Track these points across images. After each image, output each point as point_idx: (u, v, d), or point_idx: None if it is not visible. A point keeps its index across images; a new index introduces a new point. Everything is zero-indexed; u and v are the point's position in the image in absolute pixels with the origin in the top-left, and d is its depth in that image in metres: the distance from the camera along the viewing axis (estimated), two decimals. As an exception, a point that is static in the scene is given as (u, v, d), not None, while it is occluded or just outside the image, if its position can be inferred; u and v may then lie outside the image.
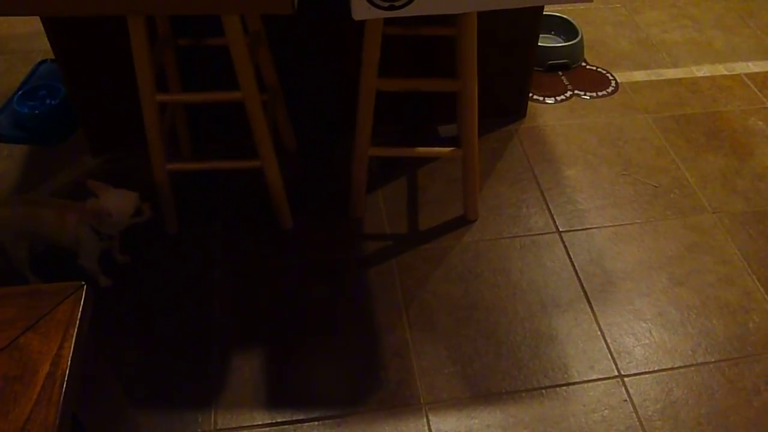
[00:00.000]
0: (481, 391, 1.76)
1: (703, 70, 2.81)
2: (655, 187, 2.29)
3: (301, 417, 1.72)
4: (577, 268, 2.05)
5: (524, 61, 2.39)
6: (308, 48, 2.23)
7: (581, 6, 3.13)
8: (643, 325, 1.92)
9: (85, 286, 1.01)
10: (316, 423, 1.70)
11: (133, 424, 1.34)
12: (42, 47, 2.94)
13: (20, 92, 2.60)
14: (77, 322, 0.97)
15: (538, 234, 2.14)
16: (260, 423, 1.72)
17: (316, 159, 2.39)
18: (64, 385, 0.90)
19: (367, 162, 2.03)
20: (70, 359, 0.93)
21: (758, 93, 2.71)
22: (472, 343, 1.87)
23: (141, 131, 1.96)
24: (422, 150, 2.05)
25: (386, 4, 1.52)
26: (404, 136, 2.42)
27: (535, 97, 2.61)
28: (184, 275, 2.03)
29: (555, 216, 2.19)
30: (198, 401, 1.75)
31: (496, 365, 1.82)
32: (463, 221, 2.17)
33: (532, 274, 2.03)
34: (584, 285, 2.01)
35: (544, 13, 2.40)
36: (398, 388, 1.78)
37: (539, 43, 2.51)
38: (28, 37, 3.03)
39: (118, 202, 1.81)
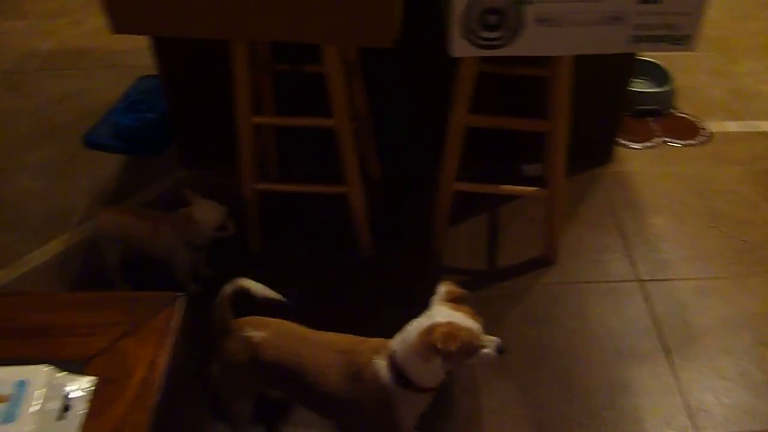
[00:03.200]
0: (550, 437, 1.74)
1: (800, 126, 2.73)
2: (744, 242, 2.22)
3: (367, 444, 1.73)
4: (657, 319, 2.00)
5: (615, 105, 2.37)
6: (400, 80, 2.27)
7: (676, 53, 3.08)
8: (724, 383, 1.86)
9: (181, 297, 1.06)
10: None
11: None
12: (144, 63, 3.07)
13: (121, 105, 2.73)
14: (173, 331, 1.01)
15: (618, 281, 2.10)
16: (327, 445, 1.74)
17: (400, 189, 2.42)
18: (158, 391, 0.94)
19: (452, 196, 2.04)
20: (164, 366, 0.97)
21: None
22: (544, 387, 1.84)
23: (232, 149, 2.03)
24: (507, 188, 2.05)
25: (485, 43, 1.55)
26: (487, 172, 2.42)
27: (622, 141, 2.57)
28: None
29: (637, 264, 2.15)
30: (267, 420, 1.78)
31: (568, 412, 1.79)
32: (542, 262, 2.15)
33: (609, 321, 2.00)
34: (663, 337, 1.96)
35: (638, 57, 2.37)
36: (465, 425, 1.77)
37: (633, 88, 2.49)
38: (132, 52, 3.18)
39: (205, 213, 1.87)
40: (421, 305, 2.01)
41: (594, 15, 1.52)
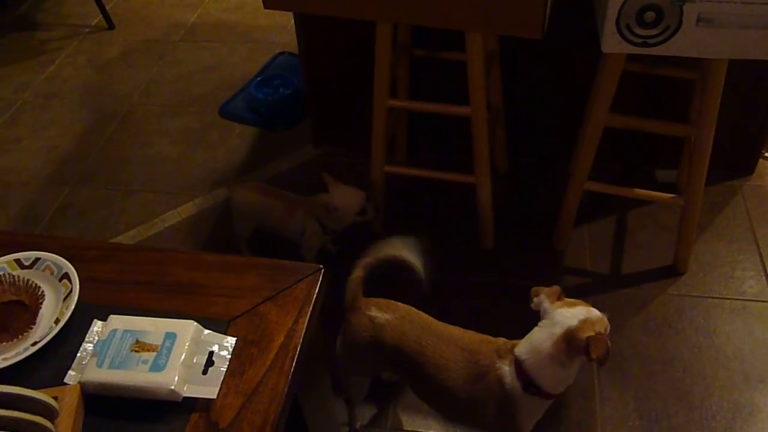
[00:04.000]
0: (666, 453, 1.68)
1: None
2: None
3: (475, 436, 1.73)
4: (791, 344, 1.89)
5: (762, 115, 2.24)
6: (537, 73, 2.23)
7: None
8: None
9: (323, 270, 1.08)
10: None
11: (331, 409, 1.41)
12: (280, 40, 3.17)
13: (258, 79, 2.81)
14: (312, 301, 1.04)
15: (752, 300, 2.00)
16: (434, 432, 1.75)
17: (526, 184, 2.38)
18: (296, 358, 0.97)
19: (581, 195, 1.99)
20: (303, 335, 1.00)
21: None
22: (662, 401, 1.78)
23: (363, 131, 2.05)
24: (640, 192, 1.98)
25: (639, 41, 1.49)
26: (617, 175, 2.35)
27: (766, 154, 2.43)
28: (380, 275, 2.09)
29: (774, 285, 2.04)
30: (379, 400, 1.80)
31: (685, 430, 1.72)
32: (670, 272, 2.07)
33: (739, 341, 1.90)
34: (797, 364, 1.85)
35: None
36: (578, 429, 1.73)
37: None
38: (269, 29, 3.28)
39: (346, 199, 1.90)
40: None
41: (760, 18, 1.44)
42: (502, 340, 1.41)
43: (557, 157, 2.35)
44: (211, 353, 0.97)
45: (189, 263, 1.14)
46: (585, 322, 1.26)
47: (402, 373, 1.52)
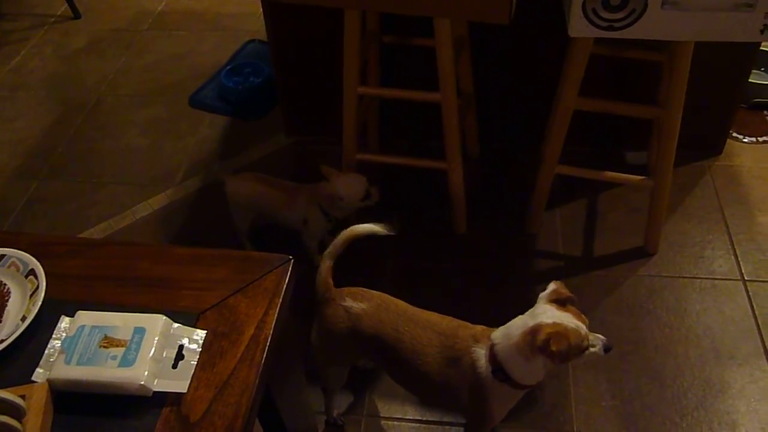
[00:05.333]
0: None
1: None
2: None
3: (450, 420, 1.74)
4: (759, 321, 1.92)
5: (730, 95, 2.26)
6: (506, 57, 2.23)
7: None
8: (828, 396, 1.77)
9: (292, 260, 1.08)
10: (462, 429, 1.70)
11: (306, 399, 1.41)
12: (250, 27, 3.14)
13: (227, 67, 2.79)
14: (282, 292, 1.04)
15: (721, 279, 2.03)
16: (410, 418, 1.76)
17: (497, 168, 2.39)
18: (266, 349, 0.97)
19: (552, 179, 2.00)
20: (273, 326, 0.99)
21: None
22: (635, 380, 1.80)
23: (335, 118, 2.04)
24: (610, 174, 1.99)
25: (605, 24, 1.50)
26: (588, 157, 2.37)
27: (734, 134, 2.46)
28: (357, 263, 2.09)
29: (741, 263, 2.07)
30: (355, 387, 1.81)
31: (658, 408, 1.75)
32: (641, 253, 2.10)
33: (708, 319, 1.93)
34: (766, 340, 1.88)
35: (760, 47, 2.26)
36: (552, 411, 1.75)
37: (751, 80, 2.37)
38: (238, 16, 3.25)
39: (349, 186, 1.90)
40: (512, 289, 2.00)
41: (724, 1, 1.45)
42: (480, 327, 1.42)
43: (529, 141, 2.36)
44: (181, 347, 0.97)
45: (158, 257, 1.13)
46: (557, 325, 1.27)
47: (380, 360, 1.52)
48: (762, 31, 1.48)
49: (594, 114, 1.94)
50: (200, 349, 0.97)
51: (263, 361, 0.95)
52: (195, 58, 3.03)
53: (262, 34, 2.92)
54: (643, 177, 1.97)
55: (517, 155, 2.40)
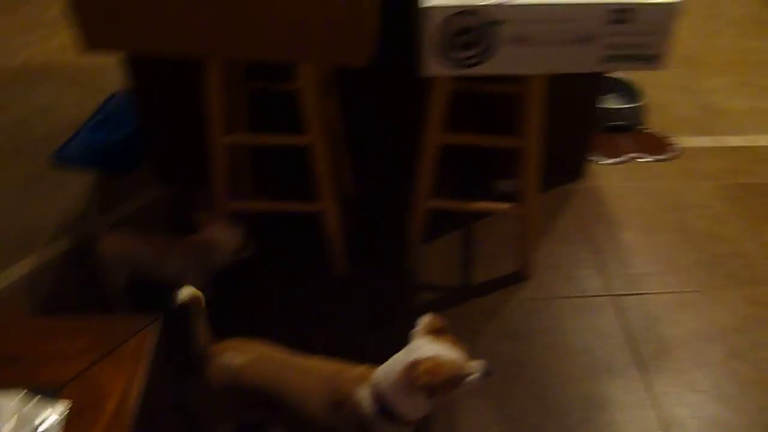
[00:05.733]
0: (527, 453, 1.74)
1: (766, 139, 2.78)
2: (715, 256, 2.26)
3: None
4: (630, 333, 2.02)
5: (585, 122, 2.40)
6: (375, 97, 2.27)
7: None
8: (698, 397, 1.87)
9: (157, 321, 1.04)
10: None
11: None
12: (115, 80, 3.05)
13: (92, 122, 2.70)
14: (148, 355, 1.00)
15: (592, 296, 2.12)
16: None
17: (374, 206, 2.41)
18: (132, 418, 0.93)
19: (426, 214, 2.04)
20: (139, 392, 0.95)
21: (823, 167, 2.67)
22: (520, 403, 1.84)
23: (206, 167, 2.01)
24: (481, 205, 2.06)
25: (458, 63, 1.56)
26: (461, 189, 2.43)
27: (593, 158, 2.60)
28: (241, 311, 2.05)
29: (609, 279, 2.17)
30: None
31: (544, 427, 1.80)
32: (517, 278, 2.16)
33: (584, 336, 2.01)
34: (637, 351, 1.97)
35: (608, 75, 2.41)
36: (443, 443, 1.76)
37: (603, 105, 2.52)
38: (102, 69, 3.14)
39: (224, 236, 1.85)
40: (397, 326, 2.01)
41: (565, 35, 1.54)
42: (362, 367, 1.41)
43: (403, 177, 2.39)
44: (41, 422, 0.91)
45: (14, 332, 1.07)
46: (432, 358, 1.29)
47: (266, 413, 1.49)
48: (602, 62, 1.58)
49: (466, 147, 2.00)
50: (62, 424, 0.92)
51: (129, 429, 0.91)
52: (57, 113, 2.91)
53: (125, 86, 2.85)
54: (512, 204, 2.04)
55: (393, 192, 2.44)
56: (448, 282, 2.16)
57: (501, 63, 1.57)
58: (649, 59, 1.59)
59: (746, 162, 2.65)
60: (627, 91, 2.85)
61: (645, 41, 1.55)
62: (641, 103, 2.77)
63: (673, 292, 2.14)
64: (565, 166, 2.49)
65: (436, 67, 1.57)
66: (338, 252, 2.12)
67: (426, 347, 1.32)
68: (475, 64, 1.56)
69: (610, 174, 2.55)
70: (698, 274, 2.20)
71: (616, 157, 2.62)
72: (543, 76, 1.76)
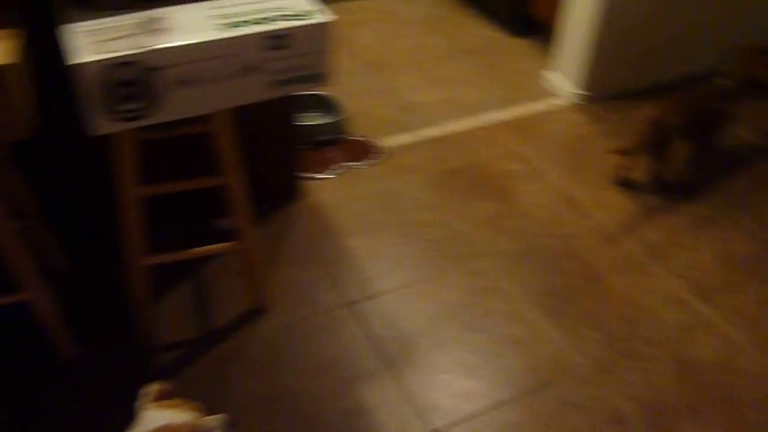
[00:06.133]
0: (299, 484, 1.73)
1: (459, 125, 3.03)
2: (432, 242, 2.41)
3: None
4: (372, 336, 2.09)
5: (287, 143, 2.43)
6: (61, 162, 2.12)
7: (339, 81, 3.27)
8: (444, 377, 1.99)
9: None
10: None
11: None
12: None
13: None
14: None
15: (331, 311, 2.16)
16: None
17: (93, 275, 2.26)
18: None
19: (145, 271, 1.95)
20: None
21: (509, 138, 2.96)
22: (285, 435, 1.83)
23: None
24: (200, 250, 2.00)
25: (128, 116, 1.49)
26: (182, 234, 2.36)
27: (307, 175, 2.66)
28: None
29: (344, 289, 2.23)
30: None
31: (312, 452, 1.80)
32: (257, 312, 2.14)
33: (332, 352, 2.04)
34: (382, 352, 2.04)
35: (304, 92, 2.47)
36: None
37: (305, 122, 2.57)
38: None
39: None
40: (139, 391, 1.89)
41: (229, 69, 1.54)
42: None
43: (117, 239, 2.27)
44: None
45: None
46: (161, 429, 1.22)
47: None
48: (271, 89, 1.61)
49: (176, 191, 1.93)
50: None
51: None
52: None
53: None
54: (231, 242, 2.01)
55: (111, 255, 2.30)
56: (186, 335, 2.08)
57: (172, 109, 1.53)
58: (315, 79, 1.64)
59: (445, 150, 2.87)
60: (327, 105, 2.96)
61: (306, 62, 1.60)
62: (342, 114, 2.88)
63: (403, 287, 2.25)
64: (280, 190, 2.52)
65: (104, 124, 1.49)
66: (59, 335, 1.95)
67: (154, 418, 1.25)
68: (145, 115, 1.51)
69: (326, 188, 2.63)
70: (422, 263, 2.34)
71: (328, 171, 2.70)
72: (225, 111, 1.75)
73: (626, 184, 2.75)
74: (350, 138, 2.90)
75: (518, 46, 3.71)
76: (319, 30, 1.57)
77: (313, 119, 2.88)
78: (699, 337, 2.15)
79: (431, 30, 3.81)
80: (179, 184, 1.94)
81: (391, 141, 2.91)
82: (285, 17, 1.57)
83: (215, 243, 2.04)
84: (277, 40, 1.55)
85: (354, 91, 3.23)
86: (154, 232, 2.15)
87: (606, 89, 3.28)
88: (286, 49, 1.57)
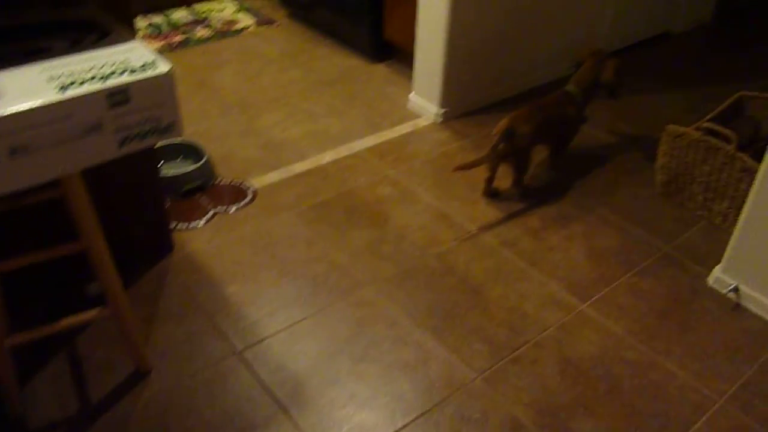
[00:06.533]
0: None
1: (327, 157, 3.04)
2: (313, 278, 2.39)
3: None
4: (265, 382, 2.04)
5: (152, 196, 2.36)
6: None
7: (202, 126, 3.21)
8: (342, 412, 1.96)
9: None
10: None
11: None
12: None
13: None
14: None
15: (218, 362, 2.10)
16: None
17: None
18: None
19: (9, 353, 1.82)
20: None
21: (378, 163, 3.00)
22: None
23: None
24: (67, 321, 1.89)
25: (-38, 193, 1.40)
26: (55, 304, 2.23)
27: (179, 226, 2.59)
28: None
29: (230, 338, 2.17)
30: None
31: None
32: (138, 376, 2.05)
33: (223, 404, 1.98)
34: (277, 396, 2.00)
35: (165, 142, 2.41)
36: None
37: (170, 173, 2.51)
38: None
39: None
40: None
41: (72, 131, 1.47)
42: None
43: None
44: None
45: None
46: None
47: None
48: (120, 146, 1.55)
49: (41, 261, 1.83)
50: None
51: None
52: None
53: None
54: (99, 308, 1.92)
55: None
56: (67, 412, 1.95)
57: (12, 179, 1.45)
58: (165, 130, 1.60)
59: (316, 183, 2.87)
60: (191, 151, 2.90)
61: (152, 115, 1.56)
62: (207, 160, 2.83)
63: (289, 326, 2.21)
64: (151, 246, 2.43)
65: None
66: None
67: None
68: (-20, 190, 1.42)
69: (200, 236, 2.56)
70: (305, 300, 2.31)
71: (200, 218, 2.64)
72: (74, 176, 1.67)
73: (494, 195, 2.84)
74: (219, 182, 2.85)
75: (379, 72, 3.78)
76: (160, 81, 1.54)
77: (177, 168, 2.81)
78: (580, 334, 2.23)
79: (290, 65, 3.82)
80: (35, 255, 1.84)
81: (260, 180, 2.88)
82: (124, 71, 1.52)
83: (88, 310, 1.94)
84: (117, 96, 1.50)
85: (218, 134, 3.18)
86: (21, 308, 2.02)
87: (464, 105, 3.39)
88: (129, 103, 1.52)
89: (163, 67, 1.54)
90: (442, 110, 3.31)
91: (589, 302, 2.35)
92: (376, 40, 3.81)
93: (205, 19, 4.30)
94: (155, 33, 4.07)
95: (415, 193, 2.83)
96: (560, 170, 3.03)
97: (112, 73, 1.52)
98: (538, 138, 2.77)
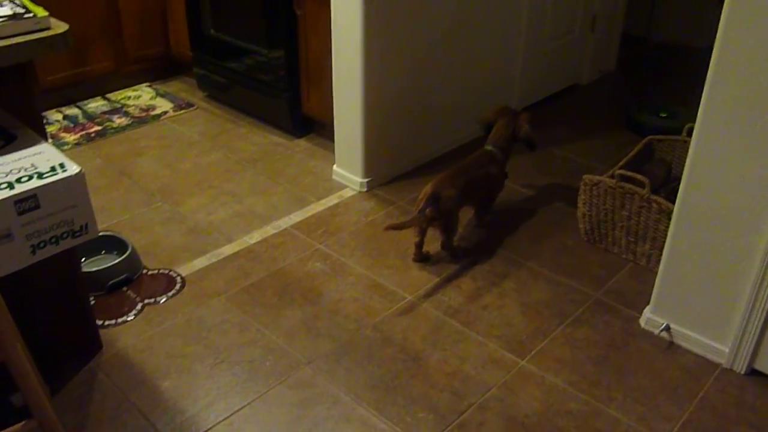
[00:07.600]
0: None
1: (255, 237, 3.02)
2: (250, 362, 2.34)
3: None
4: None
5: (75, 295, 2.28)
6: None
7: (124, 216, 3.15)
8: (289, 502, 1.90)
9: None
10: None
11: None
12: None
13: None
14: None
15: (156, 462, 2.01)
16: None
17: None
18: None
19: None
20: None
21: (306, 238, 2.99)
22: None
23: None
24: (-11, 438, 1.80)
25: None
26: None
27: (107, 323, 2.51)
28: None
29: (167, 436, 2.09)
30: None
31: None
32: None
33: (163, 508, 1.89)
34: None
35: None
36: None
37: (93, 268, 2.43)
38: None
39: None
40: None
41: (-18, 239, 1.43)
42: None
43: None
44: None
45: None
46: None
47: None
48: (32, 253, 1.51)
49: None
50: None
51: None
52: None
53: None
54: (24, 421, 1.83)
55: None
56: None
57: None
58: (80, 231, 1.57)
59: (245, 265, 2.83)
60: (115, 244, 2.83)
61: (65, 218, 1.53)
62: (132, 251, 2.77)
63: (230, 416, 2.15)
64: (78, 346, 2.34)
65: None
66: None
67: None
68: None
69: (129, 331, 2.48)
70: (244, 386, 2.25)
71: (128, 313, 2.56)
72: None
73: (425, 259, 2.85)
74: (146, 273, 2.78)
75: (301, 147, 3.80)
76: (70, 183, 1.51)
77: (101, 262, 2.74)
78: (522, 391, 2.24)
79: (211, 147, 3.81)
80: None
81: (189, 267, 2.83)
82: (32, 177, 1.49)
83: (13, 423, 1.84)
84: (26, 203, 1.46)
85: (142, 223, 3.12)
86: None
87: (387, 173, 3.43)
88: (39, 209, 1.48)
89: (72, 168, 1.51)
90: (366, 180, 3.34)
91: (527, 358, 2.37)
92: (296, 116, 3.84)
93: (122, 107, 4.27)
94: (71, 125, 4.01)
95: (347, 265, 2.82)
96: (488, 228, 3.09)
97: (20, 179, 1.48)
98: (464, 200, 2.82)
